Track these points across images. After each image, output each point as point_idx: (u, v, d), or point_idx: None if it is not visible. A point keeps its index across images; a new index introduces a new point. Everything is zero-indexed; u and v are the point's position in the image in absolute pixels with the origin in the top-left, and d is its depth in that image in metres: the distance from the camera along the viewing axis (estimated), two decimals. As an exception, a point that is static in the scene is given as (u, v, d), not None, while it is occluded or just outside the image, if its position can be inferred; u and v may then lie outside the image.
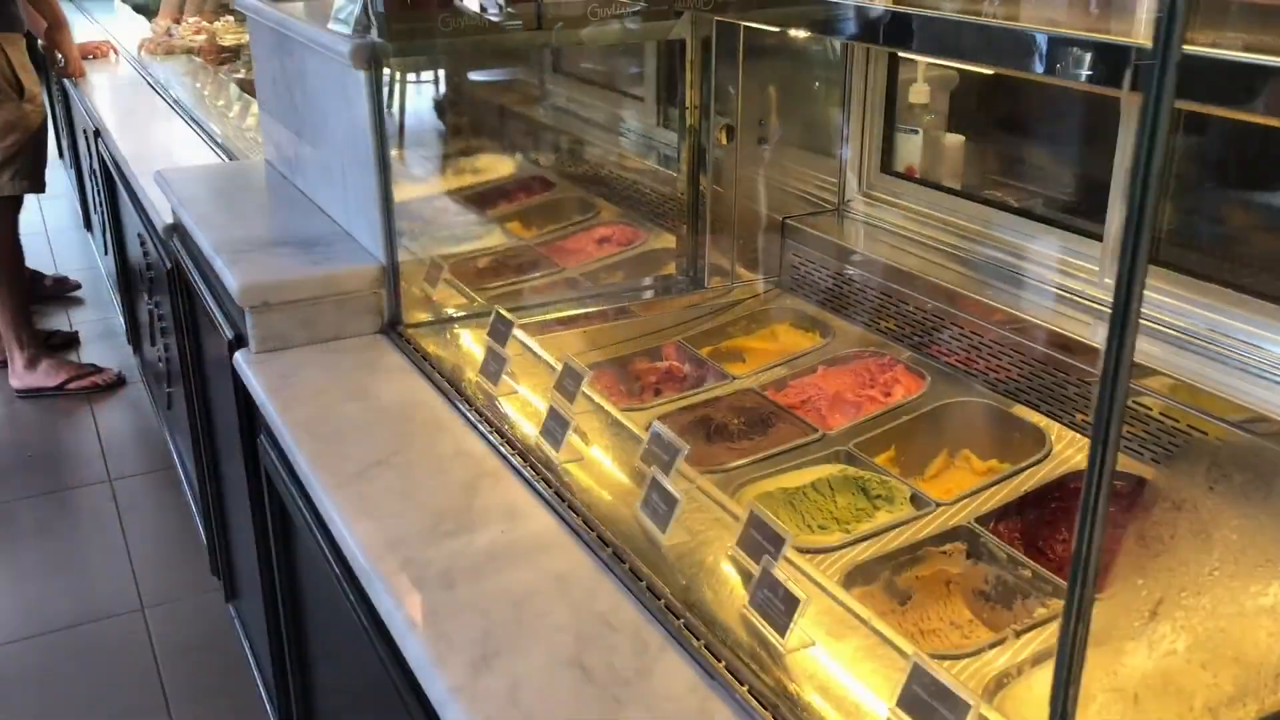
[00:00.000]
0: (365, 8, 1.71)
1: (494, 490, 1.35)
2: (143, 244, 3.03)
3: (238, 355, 1.76)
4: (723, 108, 1.92)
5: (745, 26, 1.85)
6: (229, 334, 1.84)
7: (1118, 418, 0.69)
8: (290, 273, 1.77)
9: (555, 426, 1.41)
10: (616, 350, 1.87)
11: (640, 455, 1.35)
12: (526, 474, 1.37)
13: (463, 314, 1.92)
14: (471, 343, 1.82)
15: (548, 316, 1.90)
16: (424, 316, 1.87)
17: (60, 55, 4.04)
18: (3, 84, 3.55)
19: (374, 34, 1.68)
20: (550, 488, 1.34)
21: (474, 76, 2.62)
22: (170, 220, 2.38)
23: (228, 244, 1.90)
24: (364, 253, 1.86)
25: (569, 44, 2.15)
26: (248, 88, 3.57)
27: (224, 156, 2.98)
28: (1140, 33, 0.82)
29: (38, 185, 3.88)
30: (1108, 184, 1.56)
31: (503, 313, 1.72)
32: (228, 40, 4.43)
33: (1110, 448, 0.70)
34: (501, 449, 1.44)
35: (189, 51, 4.42)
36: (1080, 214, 1.66)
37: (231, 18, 4.96)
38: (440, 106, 2.52)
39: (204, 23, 4.98)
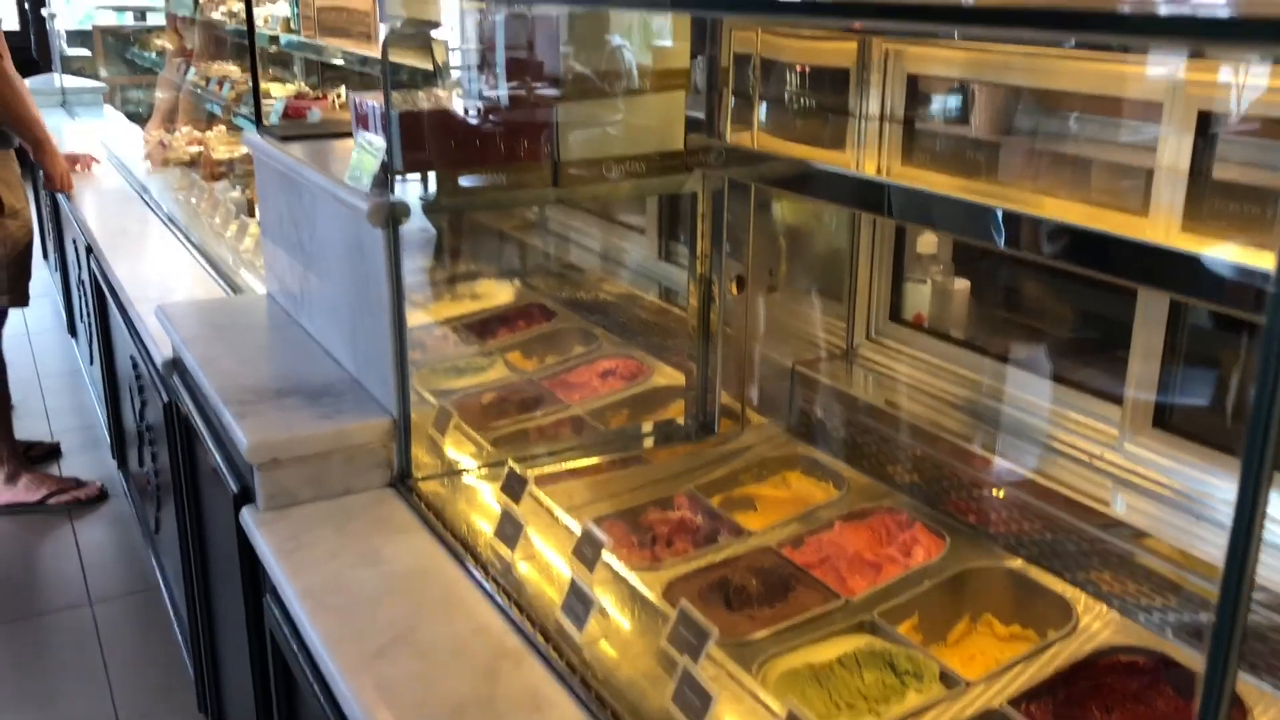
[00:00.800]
0: (385, 167, 1.72)
1: (516, 674, 1.32)
2: (135, 367, 2.99)
3: (244, 513, 1.72)
4: (733, 255, 1.93)
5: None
6: (234, 487, 1.81)
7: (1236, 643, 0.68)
8: (300, 427, 1.75)
9: (577, 604, 1.38)
10: (628, 499, 1.85)
11: (667, 637, 1.32)
12: (549, 655, 1.34)
13: (473, 463, 1.89)
14: (484, 496, 1.79)
15: (559, 468, 1.88)
16: (433, 465, 1.85)
17: (46, 173, 4.04)
18: (-13, 205, 3.55)
19: (392, 192, 1.69)
20: (575, 673, 1.30)
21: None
22: (170, 355, 2.35)
23: (234, 393, 1.88)
24: (374, 404, 1.84)
25: (585, 199, 2.17)
26: (244, 206, 3.58)
27: (219, 281, 2.97)
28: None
29: (20, 299, 3.85)
30: (1125, 343, 1.57)
31: (515, 468, 1.70)
32: (221, 153, 4.46)
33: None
34: (522, 626, 1.40)
35: (184, 164, 4.43)
36: (1098, 371, 1.67)
37: (224, 127, 5.00)
38: (440, 231, 2.53)
39: (196, 133, 5.01)
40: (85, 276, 4.10)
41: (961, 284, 1.97)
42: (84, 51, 7.26)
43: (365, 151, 1.75)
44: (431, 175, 1.70)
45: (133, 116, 5.79)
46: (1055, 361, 1.74)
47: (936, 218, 1.50)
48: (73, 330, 5.23)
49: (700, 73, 1.83)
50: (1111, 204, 1.52)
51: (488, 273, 2.91)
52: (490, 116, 1.72)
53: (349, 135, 2.31)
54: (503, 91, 1.73)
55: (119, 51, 6.93)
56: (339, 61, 3.85)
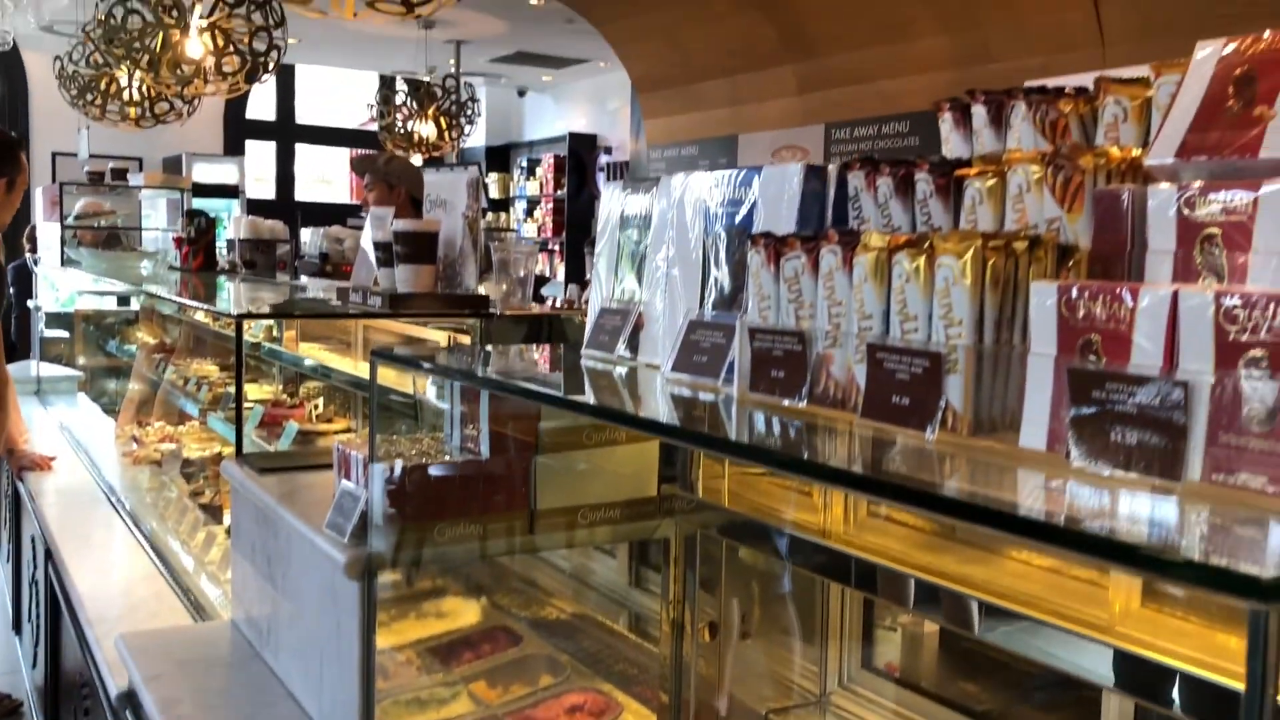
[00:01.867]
0: (363, 518, 1.75)
1: None
2: (84, 688, 2.89)
3: None
4: (706, 599, 1.95)
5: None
6: None
7: None
8: (260, 788, 1.68)
9: None
10: None
11: None
12: None
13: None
14: None
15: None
16: (394, 825, 1.77)
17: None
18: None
19: (370, 545, 1.71)
20: None
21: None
22: (125, 687, 2.28)
23: (192, 744, 1.81)
24: (337, 758, 1.78)
25: (558, 547, 2.20)
26: (213, 514, 3.57)
27: (182, 597, 2.93)
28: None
29: None
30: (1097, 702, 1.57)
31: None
32: (193, 452, 4.49)
33: None
34: None
35: (154, 462, 4.45)
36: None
37: (196, 422, 5.06)
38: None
39: (168, 427, 5.06)
40: (39, 578, 4.01)
41: (931, 629, 1.98)
42: (63, 333, 7.41)
43: (345, 500, 1.79)
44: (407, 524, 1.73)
45: (107, 408, 5.85)
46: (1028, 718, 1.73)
47: (895, 593, 1.55)
48: (17, 627, 5.06)
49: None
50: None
51: (454, 589, 2.89)
52: (470, 467, 1.77)
53: (328, 467, 2.35)
54: (484, 445, 1.80)
55: (98, 340, 7.09)
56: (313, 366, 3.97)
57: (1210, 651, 1.06)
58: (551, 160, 11.95)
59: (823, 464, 0.97)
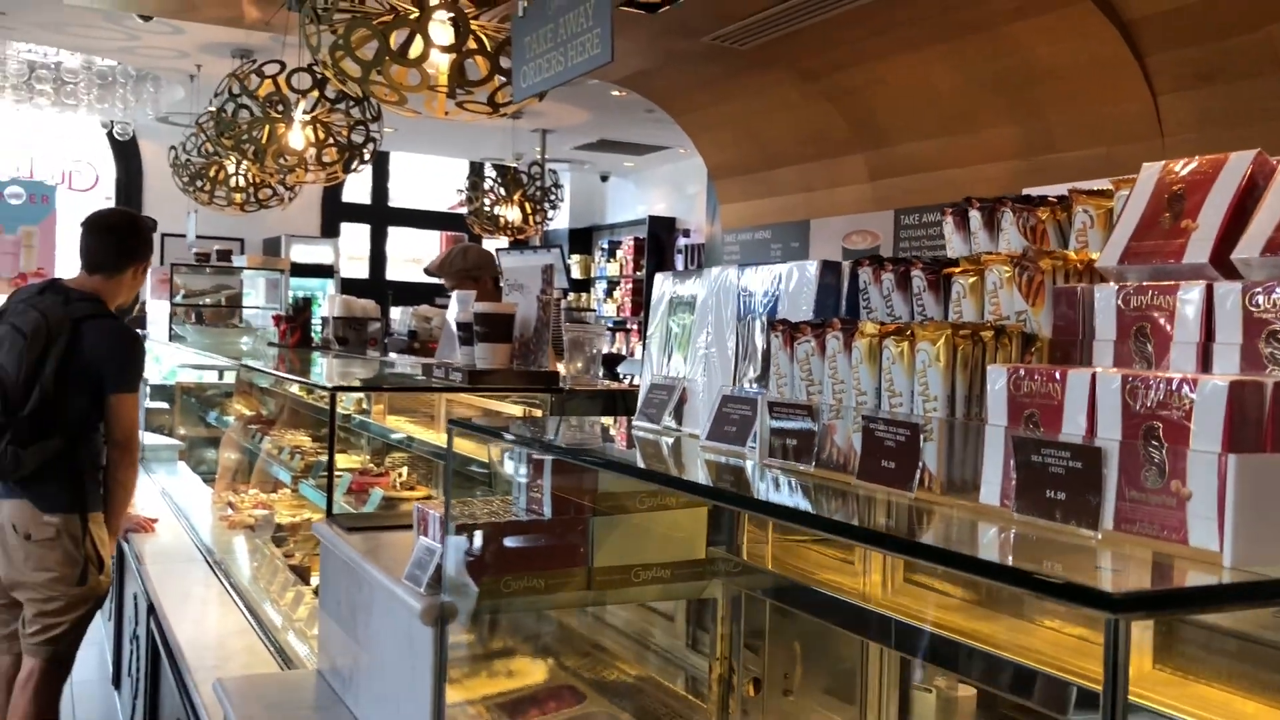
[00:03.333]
0: (438, 571, 1.95)
1: None
2: (182, 733, 3.11)
3: None
4: (751, 657, 2.09)
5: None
6: None
7: None
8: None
9: None
10: None
11: None
12: None
13: None
14: None
15: None
16: None
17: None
18: (85, 561, 3.80)
19: (444, 593, 1.90)
20: None
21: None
22: (222, 730, 2.50)
23: (281, 774, 2.01)
24: (410, 792, 1.96)
25: (613, 602, 2.38)
26: (301, 574, 3.82)
27: (271, 649, 3.15)
28: None
29: (78, 647, 4.03)
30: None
31: None
32: (284, 518, 4.77)
33: None
34: None
35: (247, 527, 4.74)
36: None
37: (289, 490, 5.36)
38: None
39: (261, 495, 5.37)
40: (141, 633, 4.29)
41: (967, 692, 2.10)
42: (164, 405, 7.85)
43: (422, 555, 1.99)
44: (480, 579, 1.92)
45: (205, 476, 6.20)
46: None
47: (933, 654, 1.69)
48: (117, 682, 5.34)
49: (721, 493, 2.08)
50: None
51: (522, 650, 3.06)
52: (535, 527, 1.96)
53: (408, 528, 2.57)
54: (547, 506, 1.99)
55: (197, 411, 7.49)
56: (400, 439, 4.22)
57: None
58: (632, 242, 12.31)
59: (810, 514, 1.14)
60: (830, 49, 5.69)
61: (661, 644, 2.82)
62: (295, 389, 5.57)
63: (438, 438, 3.83)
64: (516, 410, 3.71)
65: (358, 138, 5.65)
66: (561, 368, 3.09)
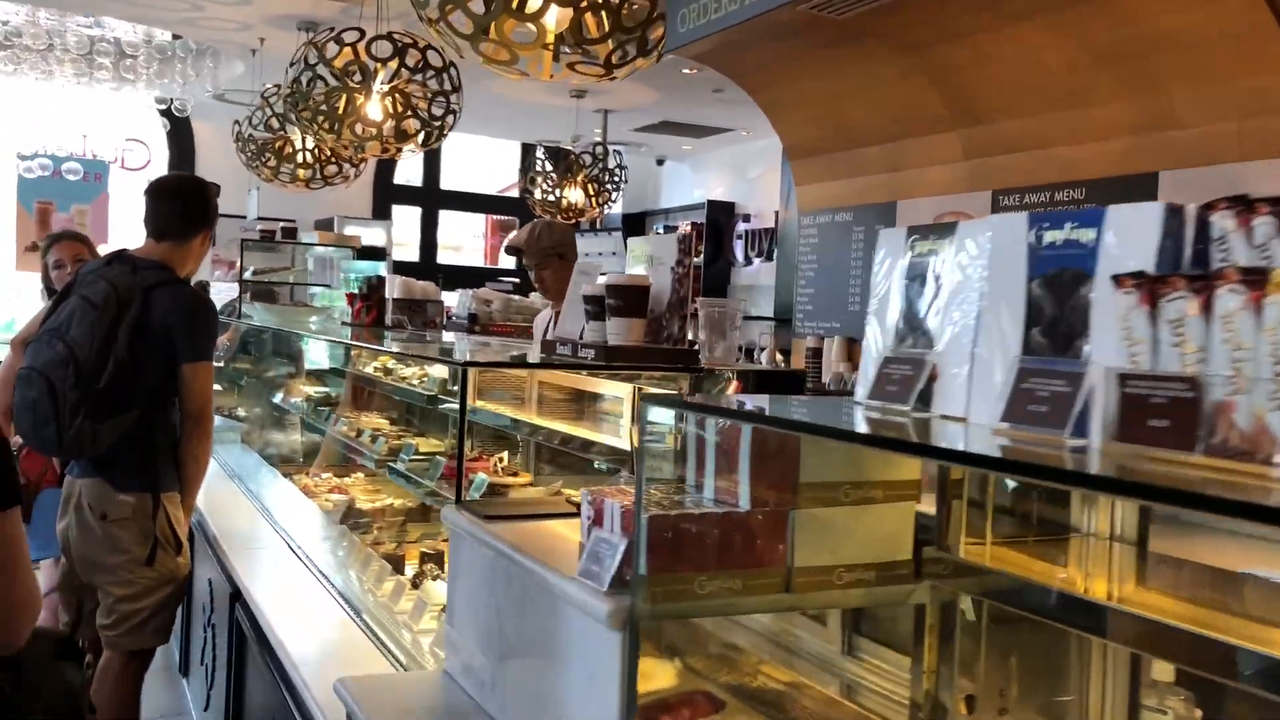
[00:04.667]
0: (620, 566, 1.72)
1: None
2: (281, 731, 2.90)
3: None
4: (962, 672, 1.85)
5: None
6: None
7: None
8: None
9: None
10: None
11: None
12: None
13: None
14: None
15: None
16: None
17: None
18: (163, 540, 3.61)
19: (635, 597, 1.67)
20: None
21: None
22: (345, 733, 2.29)
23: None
24: (586, 817, 1.73)
25: (813, 607, 2.14)
26: (395, 564, 3.60)
27: (379, 645, 2.93)
28: None
29: (168, 636, 3.83)
30: None
31: None
32: (364, 504, 4.56)
33: None
34: None
35: (326, 511, 4.53)
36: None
37: (362, 475, 5.16)
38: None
39: (335, 479, 5.17)
40: (219, 621, 4.10)
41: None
42: (219, 387, 7.68)
43: (601, 548, 1.76)
44: (666, 578, 1.68)
45: (269, 459, 6.01)
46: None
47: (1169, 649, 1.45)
48: (185, 671, 5.17)
49: (932, 483, 1.84)
50: None
51: (647, 649, 2.83)
52: (731, 519, 1.73)
53: (551, 517, 2.34)
54: (744, 496, 1.75)
55: (256, 392, 7.32)
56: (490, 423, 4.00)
57: None
58: (688, 228, 12.06)
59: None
60: (935, 21, 5.40)
61: (810, 649, 2.58)
62: (370, 370, 5.37)
63: (546, 422, 3.60)
64: (623, 391, 3.47)
65: (437, 110, 5.43)
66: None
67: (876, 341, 1.63)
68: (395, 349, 3.67)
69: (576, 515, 2.40)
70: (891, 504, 1.83)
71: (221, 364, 7.11)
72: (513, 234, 5.48)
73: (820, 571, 1.79)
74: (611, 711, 1.68)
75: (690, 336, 2.85)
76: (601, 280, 2.76)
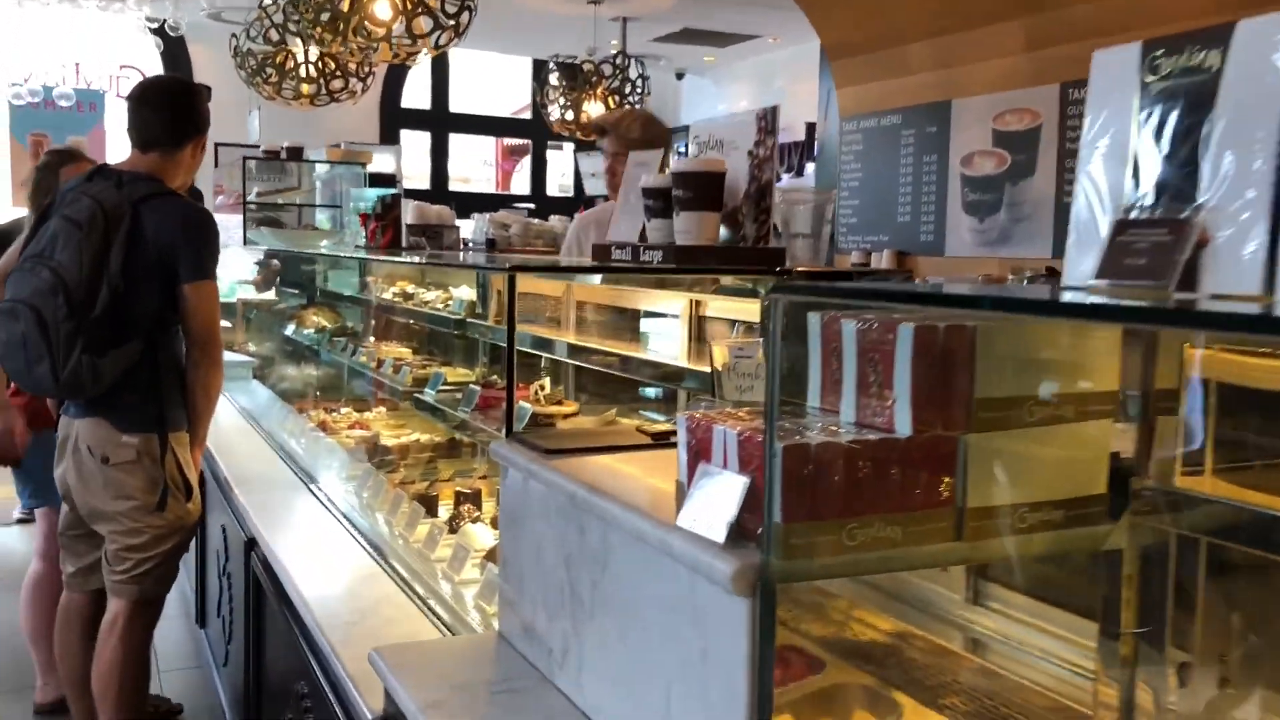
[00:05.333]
0: (742, 514, 1.31)
1: None
2: (305, 700, 2.54)
3: None
4: (1176, 636, 1.45)
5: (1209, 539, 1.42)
6: None
7: None
8: None
9: None
10: None
11: None
12: None
13: None
14: None
15: None
16: None
17: None
18: (172, 486, 3.24)
19: (767, 551, 1.26)
20: None
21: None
22: (383, 711, 1.91)
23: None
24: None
25: (989, 558, 1.73)
26: (429, 505, 3.22)
27: (419, 603, 2.56)
28: None
29: (170, 585, 3.48)
30: None
31: None
32: (389, 439, 4.17)
33: None
34: None
35: (347, 449, 4.14)
36: None
37: (384, 409, 4.76)
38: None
39: (355, 414, 4.78)
40: (235, 570, 3.74)
41: None
42: (226, 324, 7.28)
43: (714, 490, 1.35)
44: (804, 527, 1.27)
45: (284, 395, 5.63)
46: None
47: None
48: (202, 621, 4.84)
49: (1132, 397, 1.42)
50: None
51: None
52: (886, 448, 1.31)
53: (622, 449, 1.93)
54: (903, 417, 1.33)
55: (265, 325, 6.92)
56: (527, 349, 3.59)
57: None
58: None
59: None
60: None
61: (922, 596, 2.18)
62: (388, 296, 4.96)
63: (590, 343, 3.19)
64: (678, 303, 3.05)
65: (451, 8, 4.93)
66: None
67: (1095, 202, 1.20)
68: (424, 261, 3.24)
69: (650, 448, 2.00)
70: (1084, 423, 1.42)
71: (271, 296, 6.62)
72: (604, 113, 4.93)
73: (997, 513, 1.38)
74: (736, 701, 1.28)
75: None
76: (676, 166, 2.32)
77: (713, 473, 1.38)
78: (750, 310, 2.52)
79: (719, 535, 1.32)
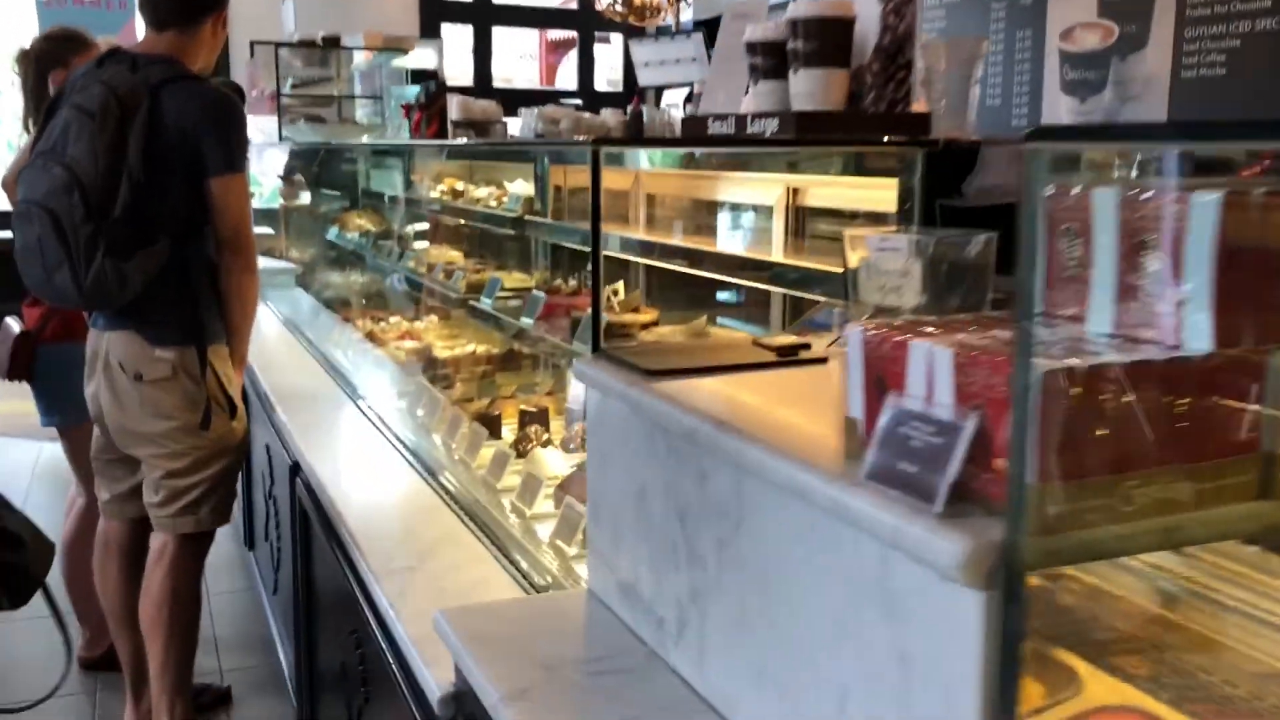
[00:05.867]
0: (959, 469, 0.91)
1: None
2: (362, 665, 2.22)
3: None
4: None
5: None
6: None
7: None
8: None
9: None
10: None
11: None
12: None
13: None
14: None
15: None
16: None
17: None
18: (213, 403, 2.90)
19: (1013, 524, 0.87)
20: None
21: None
22: (452, 688, 1.57)
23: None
24: None
25: None
26: (491, 425, 2.86)
27: (489, 544, 2.21)
28: None
29: (228, 517, 3.15)
30: None
31: None
32: (443, 351, 3.82)
33: None
34: None
35: (398, 362, 3.79)
36: None
37: (435, 317, 4.39)
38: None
39: (405, 324, 4.42)
40: (281, 493, 3.43)
41: None
42: (268, 230, 6.93)
43: (917, 433, 0.95)
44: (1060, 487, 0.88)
45: (329, 303, 5.28)
46: None
47: None
48: (250, 542, 4.58)
49: None
50: None
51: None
52: (1183, 376, 0.91)
53: (738, 369, 1.54)
54: (1197, 329, 0.92)
55: (309, 230, 6.56)
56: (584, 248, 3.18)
57: None
58: (767, 32, 10.83)
59: None
60: None
61: (1191, 573, 1.60)
62: (435, 194, 4.55)
63: (671, 240, 2.77)
64: (772, 193, 2.61)
65: None
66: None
67: None
68: (487, 143, 2.83)
69: (773, 367, 1.60)
70: None
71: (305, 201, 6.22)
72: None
73: (1320, 461, 0.97)
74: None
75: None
76: (791, 13, 1.88)
77: (913, 409, 0.98)
78: (873, 199, 2.08)
79: (935, 500, 0.93)
